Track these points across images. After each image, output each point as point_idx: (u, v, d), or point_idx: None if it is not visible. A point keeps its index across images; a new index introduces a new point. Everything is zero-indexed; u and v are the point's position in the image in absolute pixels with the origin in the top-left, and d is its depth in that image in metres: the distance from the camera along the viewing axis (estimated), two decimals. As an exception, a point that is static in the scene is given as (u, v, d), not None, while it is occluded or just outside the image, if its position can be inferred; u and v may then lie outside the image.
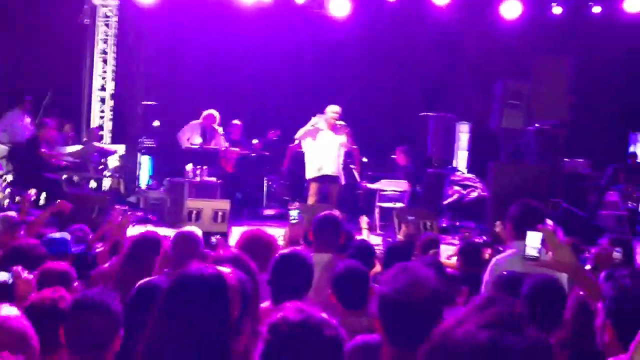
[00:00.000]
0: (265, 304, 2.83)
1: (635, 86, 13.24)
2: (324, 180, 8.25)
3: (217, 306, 1.62)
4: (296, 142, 8.82)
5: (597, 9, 12.42)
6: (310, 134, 8.26)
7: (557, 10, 12.40)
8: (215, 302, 1.62)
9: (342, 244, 4.04)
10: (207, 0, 12.07)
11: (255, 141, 10.84)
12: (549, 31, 12.62)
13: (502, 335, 1.21)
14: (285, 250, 3.09)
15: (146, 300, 2.78)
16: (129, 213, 4.75)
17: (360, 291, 2.91)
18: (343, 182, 8.65)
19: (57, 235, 4.35)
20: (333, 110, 8.24)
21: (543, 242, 2.56)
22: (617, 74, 13.16)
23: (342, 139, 8.27)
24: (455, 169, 11.17)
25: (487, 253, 4.79)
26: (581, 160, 10.63)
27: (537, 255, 2.58)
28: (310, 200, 8.26)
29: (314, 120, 8.34)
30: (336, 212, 4.17)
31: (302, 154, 10.69)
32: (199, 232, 3.60)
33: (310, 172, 8.34)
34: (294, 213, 5.32)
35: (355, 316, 2.83)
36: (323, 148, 8.22)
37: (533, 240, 2.58)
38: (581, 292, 3.00)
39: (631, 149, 13.24)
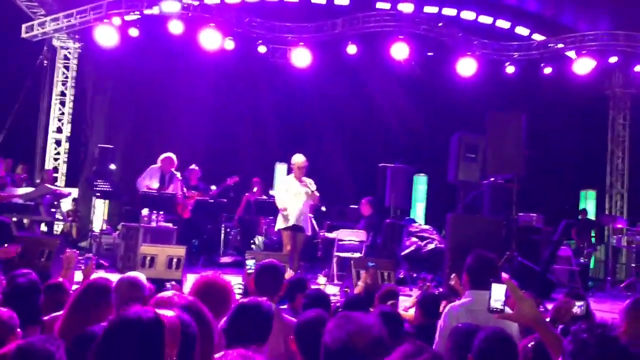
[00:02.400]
0: (219, 354, 2.72)
1: (584, 145, 13.76)
2: (292, 229, 8.33)
3: (150, 348, 1.55)
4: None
5: (548, 70, 12.98)
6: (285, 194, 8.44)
7: (510, 69, 12.90)
8: (149, 343, 1.55)
9: (285, 291, 4.00)
10: (169, 44, 12.11)
11: (213, 187, 10.75)
12: (503, 88, 13.09)
13: None
14: (245, 300, 3.01)
15: (84, 349, 2.66)
16: (91, 259, 4.57)
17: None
18: (309, 232, 8.68)
19: None
20: (300, 164, 8.35)
21: (507, 294, 2.59)
22: (567, 132, 13.66)
23: (308, 190, 8.37)
24: (413, 220, 11.26)
25: (446, 305, 4.77)
26: (534, 214, 10.88)
27: (501, 307, 2.60)
28: (287, 248, 8.33)
29: (283, 186, 8.54)
30: (276, 261, 4.13)
31: (257, 203, 10.69)
32: (143, 277, 3.51)
33: (281, 223, 8.43)
34: (250, 262, 5.23)
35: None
36: (292, 199, 8.35)
37: (497, 293, 2.60)
38: (530, 345, 3.02)
39: (581, 205, 13.62)
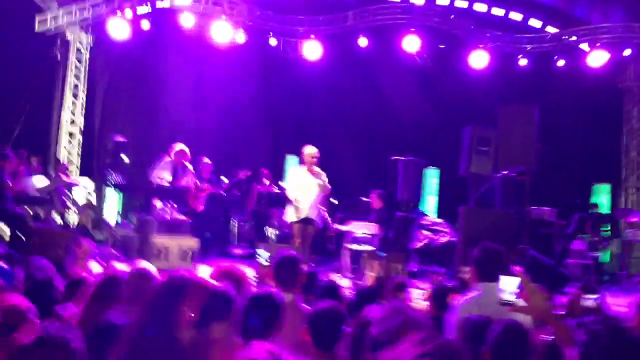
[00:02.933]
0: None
1: (597, 138, 13.64)
2: (303, 221, 8.31)
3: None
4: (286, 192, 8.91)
5: (561, 62, 12.88)
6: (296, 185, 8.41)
7: (523, 61, 12.81)
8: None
9: (303, 283, 4.02)
10: (181, 38, 12.14)
11: (225, 180, 10.80)
12: (515, 81, 13.00)
13: None
14: (257, 290, 3.05)
15: (101, 339, 2.70)
16: (112, 254, 4.64)
17: (336, 333, 2.87)
18: (320, 225, 8.69)
19: None
20: (311, 154, 8.33)
21: (520, 286, 2.58)
22: (580, 126, 13.55)
23: (320, 181, 8.36)
24: (424, 213, 11.24)
25: (456, 298, 4.77)
26: (547, 208, 10.82)
27: (512, 300, 2.60)
28: (296, 241, 8.30)
29: (294, 178, 8.52)
30: (294, 252, 4.15)
31: (269, 195, 10.72)
32: (153, 268, 3.57)
33: (292, 215, 8.38)
34: (264, 255, 5.25)
35: (326, 357, 2.79)
36: (303, 191, 8.32)
37: (509, 285, 2.60)
38: (548, 337, 3.03)
39: (594, 199, 13.51)
